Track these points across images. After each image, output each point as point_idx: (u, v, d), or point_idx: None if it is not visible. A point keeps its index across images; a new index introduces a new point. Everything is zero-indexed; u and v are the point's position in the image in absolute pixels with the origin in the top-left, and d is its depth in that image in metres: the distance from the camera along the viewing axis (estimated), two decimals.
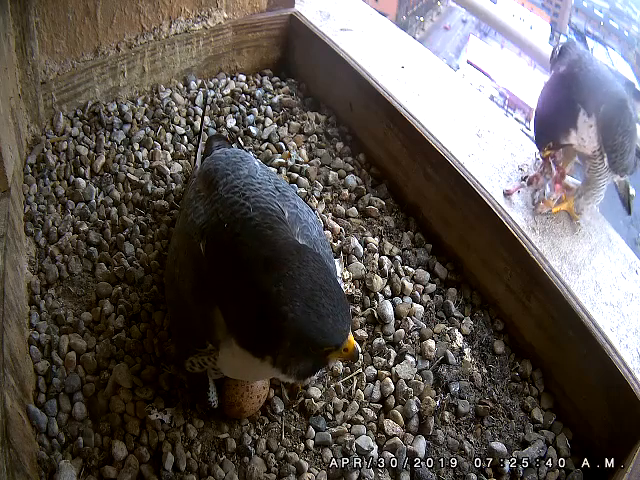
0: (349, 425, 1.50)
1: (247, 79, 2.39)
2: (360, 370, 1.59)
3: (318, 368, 1.21)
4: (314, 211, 1.82)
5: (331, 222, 1.88)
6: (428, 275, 1.81)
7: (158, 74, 2.23)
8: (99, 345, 1.57)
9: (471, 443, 1.50)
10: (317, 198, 1.95)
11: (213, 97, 2.26)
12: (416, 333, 1.67)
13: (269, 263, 1.12)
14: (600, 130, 1.59)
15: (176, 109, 2.17)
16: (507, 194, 1.76)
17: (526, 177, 1.84)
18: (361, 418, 1.51)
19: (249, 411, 1.46)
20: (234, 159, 1.55)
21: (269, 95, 2.31)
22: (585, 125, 1.59)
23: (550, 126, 1.65)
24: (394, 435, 1.48)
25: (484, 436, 1.51)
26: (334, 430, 1.48)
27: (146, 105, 2.17)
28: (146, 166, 2.00)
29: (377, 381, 1.58)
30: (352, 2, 2.55)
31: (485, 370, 1.63)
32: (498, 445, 1.47)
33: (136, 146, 2.05)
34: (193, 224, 1.36)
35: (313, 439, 1.47)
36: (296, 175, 2.01)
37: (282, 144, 2.12)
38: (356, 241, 1.84)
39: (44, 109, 2.01)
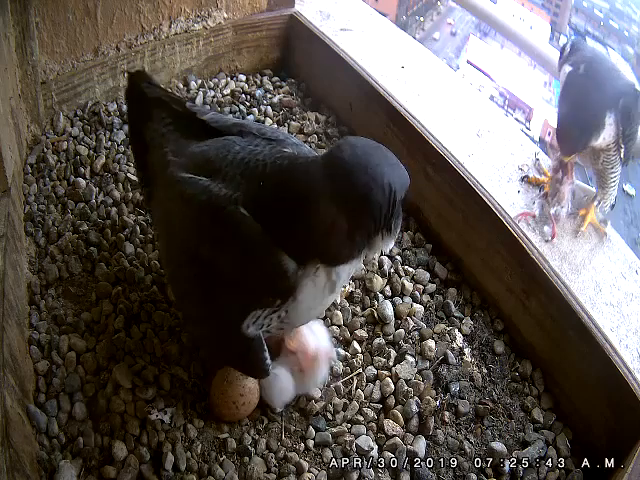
0: (349, 425, 1.50)
1: (247, 79, 2.38)
2: (360, 370, 1.59)
3: (400, 220, 1.29)
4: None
5: None
6: (428, 275, 1.81)
7: (158, 74, 2.22)
8: (99, 345, 1.56)
9: (471, 443, 1.50)
10: None
11: (213, 97, 2.26)
12: (416, 333, 1.67)
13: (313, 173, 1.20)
14: (620, 122, 1.59)
15: None
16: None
17: (525, 177, 1.84)
18: (361, 418, 1.51)
19: (240, 414, 1.47)
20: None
21: (269, 95, 2.31)
22: (609, 122, 1.59)
23: (579, 133, 1.62)
24: (394, 435, 1.48)
25: (484, 436, 1.51)
26: (334, 430, 1.48)
27: None
28: None
29: (377, 381, 1.58)
30: (352, 2, 2.55)
31: (485, 370, 1.63)
32: (498, 445, 1.47)
33: None
34: (216, 198, 1.28)
35: (313, 439, 1.47)
36: None
37: None
38: None
39: (44, 109, 2.01)
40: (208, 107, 2.21)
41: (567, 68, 1.67)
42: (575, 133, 1.63)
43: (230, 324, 1.30)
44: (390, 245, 1.31)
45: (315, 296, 1.28)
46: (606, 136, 1.61)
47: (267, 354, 1.33)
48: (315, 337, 1.51)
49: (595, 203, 1.76)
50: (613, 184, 1.75)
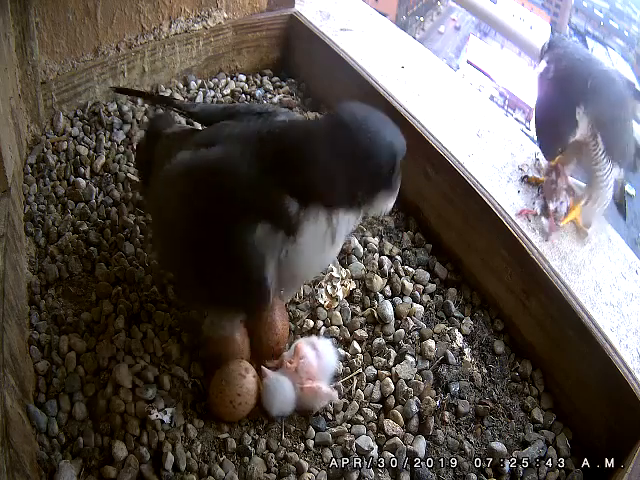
0: (349, 425, 1.50)
1: (247, 79, 2.39)
2: (360, 370, 1.59)
3: (399, 182, 1.35)
4: None
5: None
6: (428, 275, 1.81)
7: (158, 74, 2.23)
8: (99, 345, 1.56)
9: (471, 443, 1.50)
10: None
11: (213, 97, 2.26)
12: (416, 333, 1.67)
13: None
14: (589, 108, 1.53)
15: None
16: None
17: (525, 177, 1.84)
18: (361, 418, 1.51)
19: (237, 414, 1.47)
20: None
21: (269, 95, 2.31)
22: (580, 117, 1.54)
23: (555, 135, 1.61)
24: (394, 435, 1.48)
25: (484, 436, 1.51)
26: (334, 430, 1.48)
27: (146, 105, 2.17)
28: None
29: (377, 381, 1.58)
30: (352, 2, 2.55)
31: (485, 370, 1.63)
32: (498, 445, 1.47)
33: None
34: (214, 155, 1.33)
35: (313, 439, 1.47)
36: None
37: None
38: (356, 241, 1.84)
39: (44, 109, 2.01)
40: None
41: (539, 70, 1.63)
42: (550, 137, 1.62)
43: (234, 238, 1.25)
44: (390, 204, 1.36)
45: (316, 244, 1.29)
46: (582, 131, 1.57)
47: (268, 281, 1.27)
48: (320, 362, 1.52)
49: (582, 202, 1.72)
50: (602, 184, 1.67)
